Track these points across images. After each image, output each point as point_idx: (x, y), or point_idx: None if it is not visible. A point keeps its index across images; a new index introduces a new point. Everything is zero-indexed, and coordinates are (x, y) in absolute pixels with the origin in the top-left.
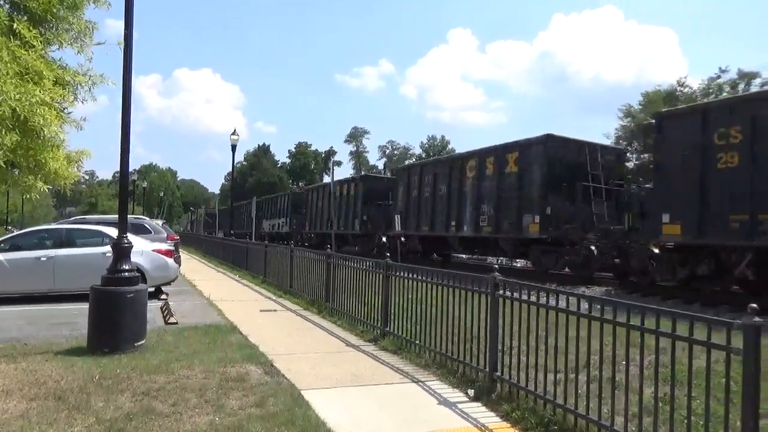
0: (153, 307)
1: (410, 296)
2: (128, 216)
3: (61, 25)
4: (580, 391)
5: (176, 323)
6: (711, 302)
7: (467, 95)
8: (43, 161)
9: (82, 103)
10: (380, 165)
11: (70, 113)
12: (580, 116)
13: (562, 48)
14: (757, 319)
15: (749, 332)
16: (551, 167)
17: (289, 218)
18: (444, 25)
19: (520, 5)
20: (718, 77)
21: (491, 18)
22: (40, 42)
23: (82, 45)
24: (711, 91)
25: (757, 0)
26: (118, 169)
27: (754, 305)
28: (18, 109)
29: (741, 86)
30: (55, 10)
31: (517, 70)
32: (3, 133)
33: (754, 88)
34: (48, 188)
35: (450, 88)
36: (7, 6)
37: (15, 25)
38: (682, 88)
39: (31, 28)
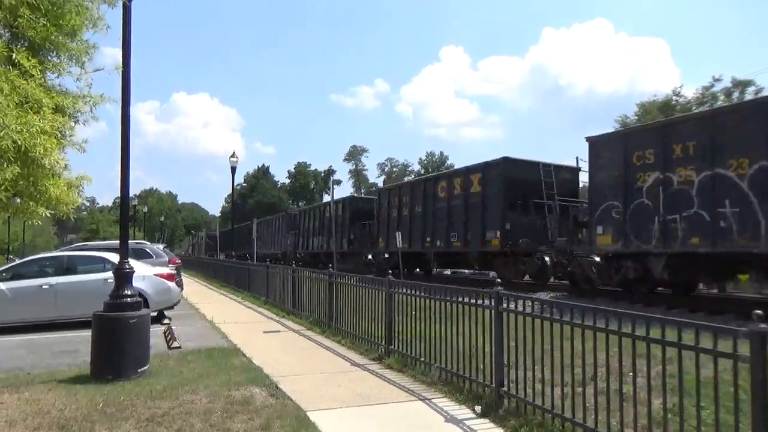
0: (156, 331)
1: (414, 313)
2: (129, 241)
3: (60, 52)
4: (588, 404)
5: (180, 347)
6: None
7: (462, 111)
8: (44, 188)
9: (84, 124)
10: (380, 182)
11: (71, 136)
12: (575, 128)
13: (554, 61)
14: (762, 325)
15: (755, 339)
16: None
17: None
18: (436, 43)
19: (509, 21)
20: (712, 86)
21: (482, 35)
22: (40, 71)
23: (81, 70)
24: (706, 100)
25: (748, 9)
26: (119, 194)
27: (759, 311)
28: (19, 141)
29: (735, 94)
30: (53, 38)
31: (511, 84)
32: (4, 166)
33: (748, 96)
34: (50, 214)
35: (445, 105)
36: (7, 35)
37: (14, 56)
38: (677, 98)
39: (30, 57)
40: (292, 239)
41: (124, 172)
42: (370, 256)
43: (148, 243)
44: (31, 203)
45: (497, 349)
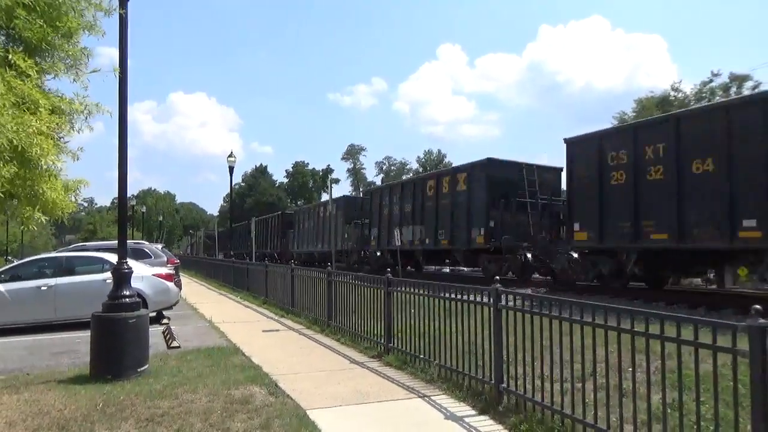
0: (155, 331)
1: (413, 311)
2: (128, 241)
3: (57, 54)
4: (587, 400)
5: (179, 347)
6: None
7: (460, 109)
8: (41, 191)
9: (78, 132)
10: (378, 181)
11: (67, 142)
12: (573, 125)
13: (551, 58)
14: (761, 320)
15: (755, 334)
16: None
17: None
18: (433, 41)
19: (506, 18)
20: (711, 81)
21: (480, 32)
22: (36, 72)
23: (77, 73)
24: (704, 95)
25: (745, 3)
26: (117, 195)
27: (758, 306)
28: (15, 140)
29: (733, 89)
30: (50, 39)
31: (508, 82)
32: (1, 165)
33: (747, 91)
34: (46, 219)
35: (442, 103)
36: (3, 37)
37: (10, 56)
38: (676, 93)
39: (26, 58)
40: (358, 232)
41: (121, 173)
42: (529, 255)
43: (147, 243)
44: (27, 207)
45: (496, 346)
